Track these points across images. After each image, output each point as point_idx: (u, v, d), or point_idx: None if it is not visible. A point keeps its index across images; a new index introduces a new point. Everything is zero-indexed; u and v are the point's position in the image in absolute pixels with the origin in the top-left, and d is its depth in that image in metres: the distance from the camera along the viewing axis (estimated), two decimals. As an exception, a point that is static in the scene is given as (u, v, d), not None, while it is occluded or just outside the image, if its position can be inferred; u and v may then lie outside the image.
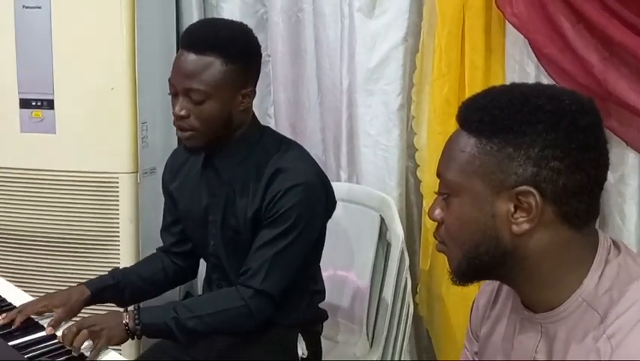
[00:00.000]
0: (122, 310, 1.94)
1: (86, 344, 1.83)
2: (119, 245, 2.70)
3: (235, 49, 1.99)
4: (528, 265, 1.25)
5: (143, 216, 2.72)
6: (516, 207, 1.21)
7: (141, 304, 2.02)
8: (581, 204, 1.23)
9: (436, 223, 1.32)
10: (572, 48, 2.07)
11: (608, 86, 2.06)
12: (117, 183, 2.67)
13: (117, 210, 2.68)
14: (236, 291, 1.98)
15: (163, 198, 2.31)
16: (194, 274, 2.34)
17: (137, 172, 2.69)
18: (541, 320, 1.29)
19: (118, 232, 2.69)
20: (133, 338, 1.94)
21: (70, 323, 1.91)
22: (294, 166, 2.03)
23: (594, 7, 1.99)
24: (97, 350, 1.82)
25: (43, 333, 1.88)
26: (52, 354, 1.80)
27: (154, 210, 2.63)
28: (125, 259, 2.67)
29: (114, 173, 2.67)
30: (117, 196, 2.68)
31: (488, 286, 1.48)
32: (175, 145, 2.84)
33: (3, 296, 2.11)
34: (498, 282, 1.43)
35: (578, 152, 1.20)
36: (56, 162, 2.68)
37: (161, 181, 2.30)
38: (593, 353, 1.19)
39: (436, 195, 1.32)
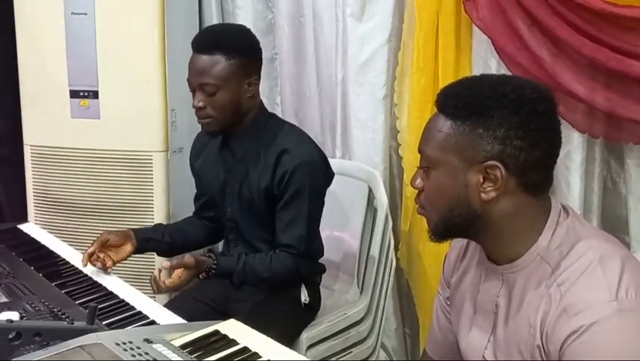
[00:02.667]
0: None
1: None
2: (152, 211, 2.75)
3: (236, 46, 2.07)
4: (493, 226, 1.30)
5: (172, 188, 2.77)
6: (484, 179, 1.27)
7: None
8: (538, 175, 1.29)
9: (417, 191, 1.37)
10: (528, 47, 2.12)
11: (557, 78, 2.11)
12: (151, 160, 2.73)
13: (151, 182, 2.74)
14: (286, 256, 2.09)
15: (189, 173, 2.38)
16: (222, 235, 2.37)
17: (167, 151, 2.74)
18: (502, 270, 1.34)
19: (152, 200, 2.75)
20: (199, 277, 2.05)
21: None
22: (297, 147, 2.10)
23: (546, 12, 2.04)
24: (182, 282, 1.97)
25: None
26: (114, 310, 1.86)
27: (181, 183, 2.73)
28: (159, 222, 2.70)
29: (148, 152, 2.73)
30: (151, 171, 2.73)
31: (458, 243, 1.53)
32: (197, 128, 2.93)
33: (64, 258, 2.18)
34: (466, 240, 1.48)
35: (536, 132, 1.26)
36: (100, 142, 2.74)
37: (187, 159, 2.37)
38: (546, 297, 1.25)
39: (417, 168, 1.37)
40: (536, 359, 1.28)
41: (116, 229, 2.21)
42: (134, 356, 1.36)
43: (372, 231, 2.47)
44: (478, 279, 1.43)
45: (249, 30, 2.19)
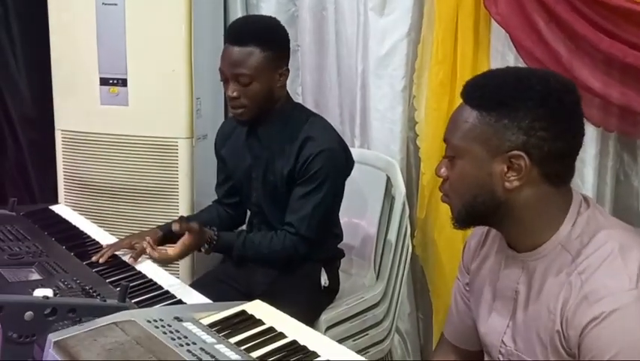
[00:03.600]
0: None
1: None
2: (177, 195, 2.74)
3: (269, 38, 2.05)
4: (515, 215, 1.29)
5: (196, 173, 2.75)
6: (508, 168, 1.25)
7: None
8: (561, 166, 1.28)
9: (441, 180, 1.35)
10: (545, 41, 2.09)
11: (574, 72, 2.08)
12: (177, 146, 2.71)
13: (176, 167, 2.72)
14: (285, 235, 2.07)
15: (212, 159, 2.37)
16: (242, 222, 2.39)
17: (192, 138, 2.72)
18: (523, 258, 1.33)
19: (177, 185, 2.73)
20: (200, 251, 2.05)
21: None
22: (321, 135, 2.08)
23: (564, 8, 2.01)
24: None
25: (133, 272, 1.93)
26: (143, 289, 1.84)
27: (205, 168, 2.72)
28: (183, 205, 2.73)
29: (174, 138, 2.71)
30: (176, 157, 2.71)
31: (478, 230, 1.51)
32: (221, 116, 2.94)
33: (94, 238, 2.18)
34: (486, 227, 1.47)
35: (560, 124, 1.24)
36: (129, 128, 2.73)
37: (212, 145, 2.36)
38: (567, 285, 1.24)
39: (442, 157, 1.35)
40: (555, 343, 1.26)
41: (139, 232, 2.20)
42: (165, 333, 1.34)
43: (390, 218, 2.46)
44: (497, 266, 1.42)
45: (279, 23, 2.18)
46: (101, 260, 1.95)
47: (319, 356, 1.34)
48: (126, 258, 2.01)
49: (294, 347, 1.36)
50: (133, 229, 2.62)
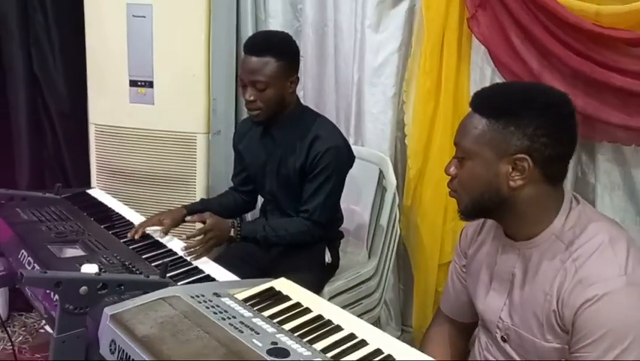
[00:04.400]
0: (229, 221, 1.97)
1: None
2: (195, 181, 2.66)
3: (283, 50, 1.98)
4: (517, 209, 1.25)
5: (211, 163, 2.69)
6: (513, 169, 1.21)
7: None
8: (558, 168, 1.24)
9: (450, 177, 1.31)
10: (520, 57, 2.04)
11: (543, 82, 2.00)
12: (195, 139, 2.64)
13: (194, 158, 2.65)
14: (301, 221, 2.02)
15: (225, 151, 2.33)
16: (253, 207, 2.35)
17: (208, 133, 2.65)
18: (519, 246, 1.29)
19: (195, 172, 2.66)
20: (230, 243, 1.98)
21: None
22: (327, 134, 2.03)
23: (539, 30, 1.97)
24: (209, 248, 1.87)
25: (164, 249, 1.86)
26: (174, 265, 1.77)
27: (219, 159, 2.67)
28: (199, 190, 2.66)
29: (193, 133, 2.64)
30: (195, 149, 2.64)
31: (475, 221, 1.47)
32: (233, 115, 2.87)
33: (127, 218, 2.11)
34: (482, 218, 1.43)
35: (560, 131, 1.21)
36: (154, 124, 2.65)
37: (225, 140, 2.33)
38: (562, 270, 1.21)
39: (452, 158, 1.30)
40: (551, 321, 1.23)
41: (168, 210, 2.12)
42: (207, 308, 1.28)
43: (381, 206, 2.41)
44: (494, 252, 1.38)
45: (291, 37, 2.11)
46: (135, 236, 1.89)
47: (343, 328, 1.28)
48: (156, 235, 1.94)
49: (321, 322, 1.30)
50: (156, 211, 2.51)
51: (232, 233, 1.95)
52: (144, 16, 2.57)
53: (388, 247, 2.36)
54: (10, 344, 2.59)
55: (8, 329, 2.75)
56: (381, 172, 2.41)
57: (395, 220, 2.35)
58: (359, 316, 2.26)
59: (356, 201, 2.47)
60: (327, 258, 2.16)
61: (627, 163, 2.06)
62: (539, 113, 1.20)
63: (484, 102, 1.25)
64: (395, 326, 2.71)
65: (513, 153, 1.21)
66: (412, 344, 1.20)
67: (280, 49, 1.98)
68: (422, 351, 1.21)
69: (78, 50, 2.69)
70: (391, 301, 2.70)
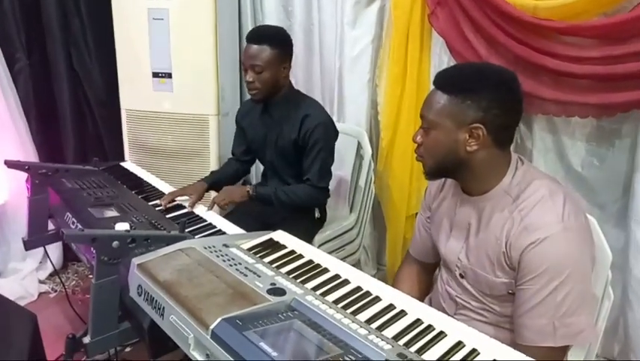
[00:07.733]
0: (246, 187, 1.94)
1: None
2: (209, 155, 2.58)
3: (277, 40, 1.90)
4: (472, 169, 1.20)
5: (221, 139, 2.60)
6: (470, 136, 1.15)
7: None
8: (506, 135, 1.18)
9: (417, 145, 1.24)
10: (472, 46, 1.96)
11: None
12: (207, 120, 2.55)
13: (208, 136, 2.56)
14: (306, 187, 1.95)
15: (233, 130, 2.22)
16: (248, 172, 2.28)
17: (218, 114, 2.56)
18: (474, 200, 1.24)
19: (208, 148, 2.57)
20: (249, 200, 1.92)
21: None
22: (315, 112, 1.95)
23: (486, 23, 1.88)
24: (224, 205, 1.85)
25: (185, 210, 1.80)
26: (192, 222, 1.72)
27: (228, 137, 2.53)
28: (212, 163, 2.58)
29: (206, 115, 2.54)
30: (207, 128, 2.56)
31: (437, 180, 1.41)
32: (238, 99, 2.77)
33: (154, 185, 2.04)
34: (443, 178, 1.36)
35: (509, 104, 1.14)
36: (173, 107, 2.55)
37: (234, 120, 2.21)
38: (509, 219, 1.16)
39: (419, 128, 1.23)
40: (501, 261, 1.19)
41: (192, 184, 2.02)
42: (218, 256, 1.22)
43: (359, 170, 2.35)
44: (453, 205, 1.32)
45: (285, 30, 2.02)
46: (164, 205, 1.82)
47: (329, 270, 1.23)
48: (180, 200, 1.88)
49: (312, 265, 1.24)
50: (176, 179, 2.54)
51: (250, 191, 1.91)
52: (162, 19, 2.47)
53: (366, 203, 2.31)
54: (63, 288, 2.54)
55: (63, 276, 2.70)
56: (359, 143, 2.34)
57: (370, 182, 2.29)
58: (343, 259, 2.21)
59: (339, 167, 2.40)
60: (317, 213, 2.11)
61: (558, 131, 2.00)
62: (493, 89, 1.14)
63: (446, 81, 1.18)
64: (372, 265, 2.67)
65: (470, 123, 1.15)
66: (385, 280, 1.16)
67: (275, 39, 1.90)
68: (395, 287, 1.18)
69: (109, 48, 2.59)
70: (368, 247, 2.65)
